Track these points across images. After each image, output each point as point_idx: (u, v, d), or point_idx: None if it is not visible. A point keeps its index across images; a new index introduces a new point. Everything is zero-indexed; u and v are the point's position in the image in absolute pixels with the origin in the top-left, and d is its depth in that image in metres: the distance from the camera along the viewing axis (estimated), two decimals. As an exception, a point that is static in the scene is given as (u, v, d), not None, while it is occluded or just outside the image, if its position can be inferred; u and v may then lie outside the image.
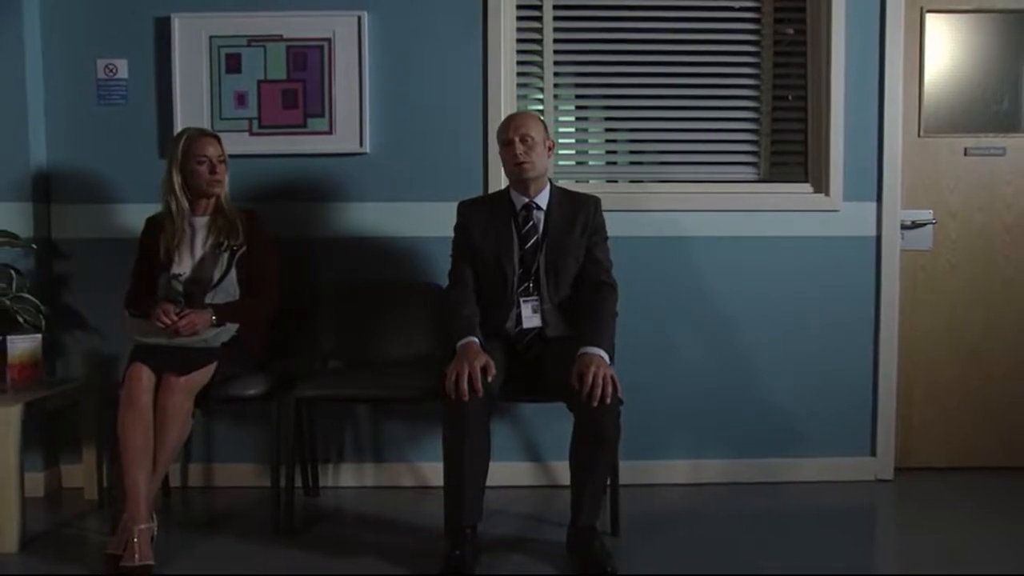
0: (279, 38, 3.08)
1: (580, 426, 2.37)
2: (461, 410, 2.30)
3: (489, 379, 2.33)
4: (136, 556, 2.30)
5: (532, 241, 2.62)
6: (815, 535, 2.66)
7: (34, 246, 3.01)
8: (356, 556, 2.48)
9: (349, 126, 3.10)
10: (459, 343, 2.44)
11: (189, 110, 3.07)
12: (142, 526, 2.34)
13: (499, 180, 3.04)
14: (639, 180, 3.28)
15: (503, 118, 3.03)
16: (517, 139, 2.58)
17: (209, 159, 2.73)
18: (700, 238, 3.17)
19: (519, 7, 3.19)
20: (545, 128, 2.68)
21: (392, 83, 3.12)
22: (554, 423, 2.88)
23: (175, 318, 2.53)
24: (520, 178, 2.62)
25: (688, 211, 3.17)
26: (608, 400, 2.28)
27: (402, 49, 3.12)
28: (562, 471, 2.56)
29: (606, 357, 2.37)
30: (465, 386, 2.29)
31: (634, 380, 2.97)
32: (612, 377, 2.31)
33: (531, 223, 2.63)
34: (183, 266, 2.71)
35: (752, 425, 3.19)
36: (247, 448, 3.15)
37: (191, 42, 3.07)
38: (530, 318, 2.59)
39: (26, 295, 2.86)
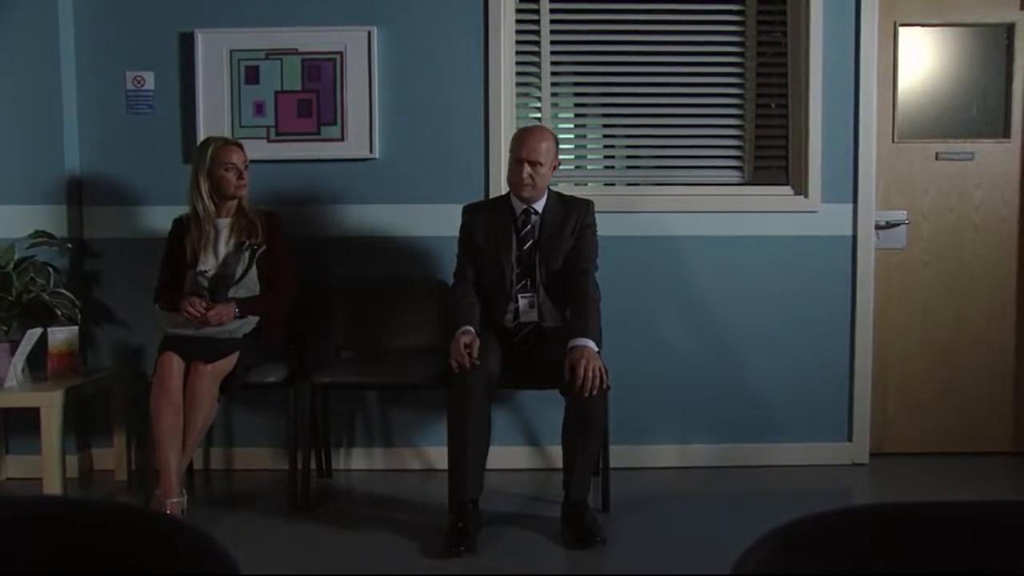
0: (295, 51, 3.23)
1: (571, 411, 2.55)
2: (464, 389, 2.50)
3: (474, 353, 2.52)
4: (169, 527, 2.50)
5: (529, 243, 2.79)
6: (794, 516, 2.80)
7: (69, 245, 3.17)
8: (367, 530, 2.64)
9: (360, 133, 3.24)
10: (457, 332, 2.62)
11: (211, 119, 3.22)
12: (173, 500, 2.53)
13: (499, 183, 3.19)
14: (635, 184, 3.43)
15: (503, 126, 3.22)
16: (526, 163, 2.70)
17: (235, 165, 2.88)
18: (689, 237, 3.30)
19: (518, 22, 3.33)
20: (556, 145, 2.78)
21: (400, 93, 3.27)
22: (550, 409, 3.03)
23: (203, 311, 2.71)
24: (519, 196, 2.78)
25: (678, 212, 3.30)
26: (595, 392, 2.47)
27: (409, 62, 3.26)
28: (557, 455, 2.69)
29: (594, 346, 2.54)
30: (464, 358, 2.49)
31: (626, 369, 3.17)
32: (599, 369, 2.48)
33: (529, 226, 2.80)
34: (208, 264, 2.85)
35: (736, 412, 3.32)
36: (264, 433, 3.31)
37: (213, 56, 3.23)
38: (527, 312, 2.77)
39: (62, 291, 3.03)
